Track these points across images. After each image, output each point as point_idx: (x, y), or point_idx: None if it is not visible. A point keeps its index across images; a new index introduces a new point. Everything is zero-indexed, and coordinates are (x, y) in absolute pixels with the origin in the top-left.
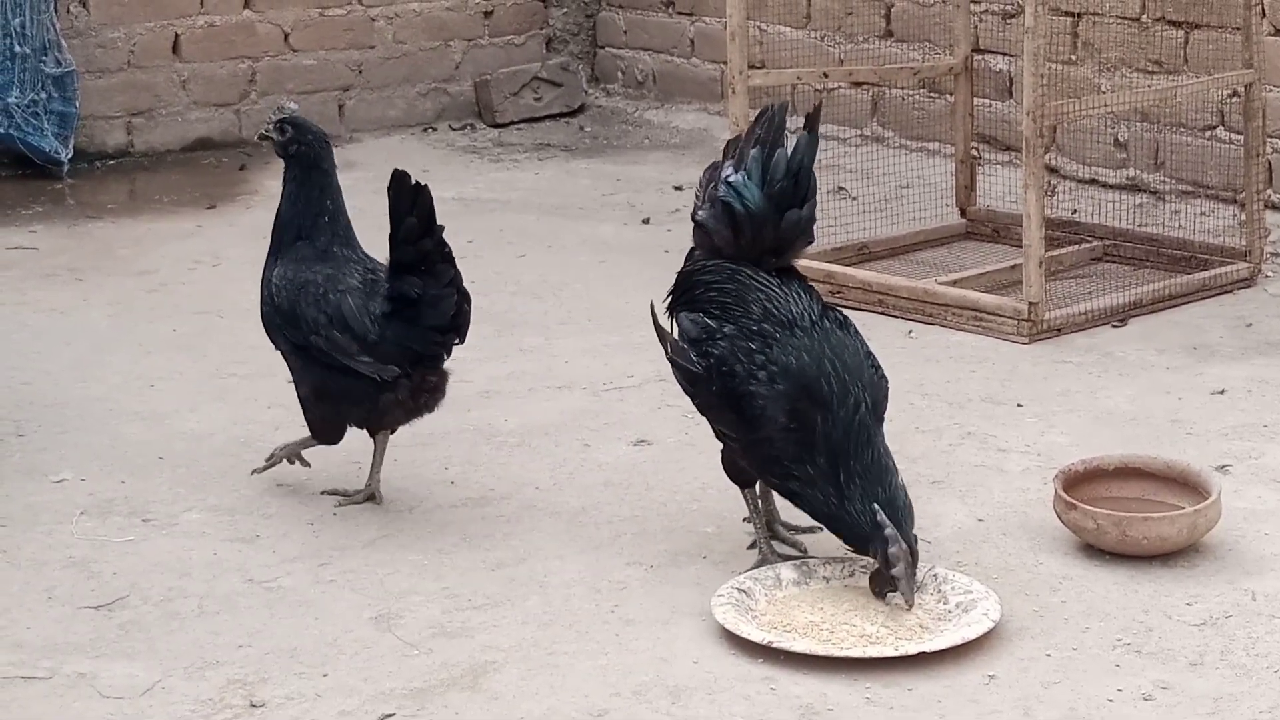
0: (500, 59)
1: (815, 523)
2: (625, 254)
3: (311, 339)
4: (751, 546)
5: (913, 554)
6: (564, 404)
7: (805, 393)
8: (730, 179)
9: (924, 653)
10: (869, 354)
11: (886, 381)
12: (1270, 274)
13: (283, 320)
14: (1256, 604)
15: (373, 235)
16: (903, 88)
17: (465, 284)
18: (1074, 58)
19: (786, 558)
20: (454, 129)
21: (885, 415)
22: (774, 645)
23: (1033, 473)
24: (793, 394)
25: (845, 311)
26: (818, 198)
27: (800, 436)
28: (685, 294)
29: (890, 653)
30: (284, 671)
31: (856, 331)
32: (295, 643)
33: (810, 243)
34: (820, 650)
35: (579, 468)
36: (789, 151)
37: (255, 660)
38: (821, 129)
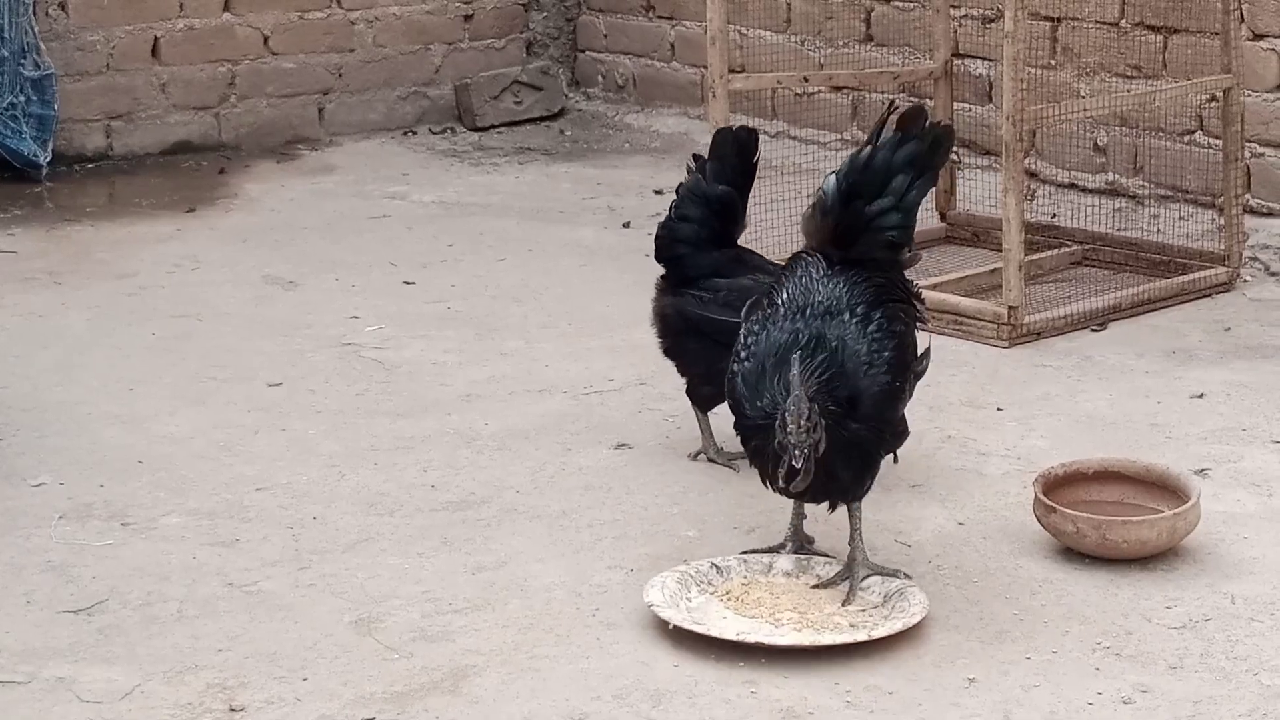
0: (480, 63)
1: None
2: (606, 258)
3: None
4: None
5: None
6: (545, 407)
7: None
8: (828, 175)
9: (902, 653)
10: (877, 352)
11: (886, 382)
12: (1248, 278)
13: None
14: (1235, 607)
15: (351, 239)
16: (883, 92)
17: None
18: (1053, 62)
19: (810, 552)
20: (434, 132)
21: (870, 414)
22: (681, 626)
23: (1013, 476)
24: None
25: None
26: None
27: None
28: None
29: (799, 641)
30: (264, 675)
31: (887, 334)
32: (275, 647)
33: (891, 242)
34: (722, 633)
35: (559, 471)
36: (868, 149)
37: (235, 664)
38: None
